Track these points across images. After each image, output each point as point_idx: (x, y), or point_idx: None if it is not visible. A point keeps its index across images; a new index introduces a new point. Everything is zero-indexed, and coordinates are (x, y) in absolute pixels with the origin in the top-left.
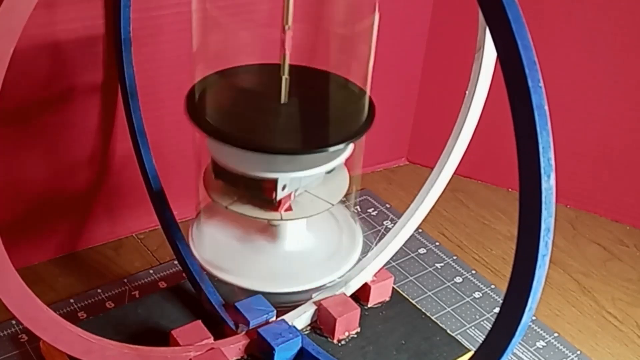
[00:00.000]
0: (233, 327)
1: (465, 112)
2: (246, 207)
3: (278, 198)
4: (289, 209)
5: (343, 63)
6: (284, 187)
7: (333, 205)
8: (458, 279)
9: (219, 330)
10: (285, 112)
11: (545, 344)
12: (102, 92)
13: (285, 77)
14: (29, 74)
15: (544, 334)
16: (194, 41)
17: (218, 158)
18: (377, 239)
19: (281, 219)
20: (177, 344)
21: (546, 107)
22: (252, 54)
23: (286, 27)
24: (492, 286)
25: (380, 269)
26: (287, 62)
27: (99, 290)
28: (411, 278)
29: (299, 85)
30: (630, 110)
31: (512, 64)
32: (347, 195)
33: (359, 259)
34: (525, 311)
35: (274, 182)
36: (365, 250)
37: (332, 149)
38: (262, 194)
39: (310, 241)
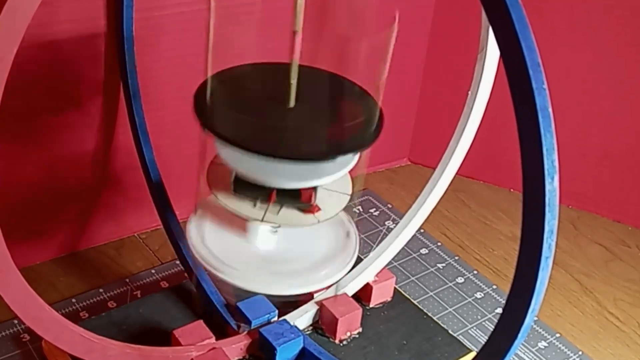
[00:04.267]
0: (235, 327)
1: (468, 113)
2: (281, 216)
3: (316, 202)
4: (318, 209)
5: (356, 71)
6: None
7: (350, 195)
8: (460, 279)
9: (221, 330)
10: (302, 117)
11: (547, 345)
12: (104, 92)
13: (293, 81)
14: (32, 74)
15: (545, 335)
16: (210, 40)
17: (250, 174)
18: (379, 239)
19: (318, 222)
20: (179, 344)
21: (550, 109)
22: (267, 53)
23: (297, 31)
24: (494, 286)
25: (382, 269)
26: (296, 65)
27: (101, 290)
28: (413, 278)
29: (309, 88)
30: (632, 111)
31: (516, 65)
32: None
33: (360, 259)
34: (528, 313)
35: (314, 189)
36: (367, 251)
37: (365, 146)
38: (296, 201)
39: (307, 240)
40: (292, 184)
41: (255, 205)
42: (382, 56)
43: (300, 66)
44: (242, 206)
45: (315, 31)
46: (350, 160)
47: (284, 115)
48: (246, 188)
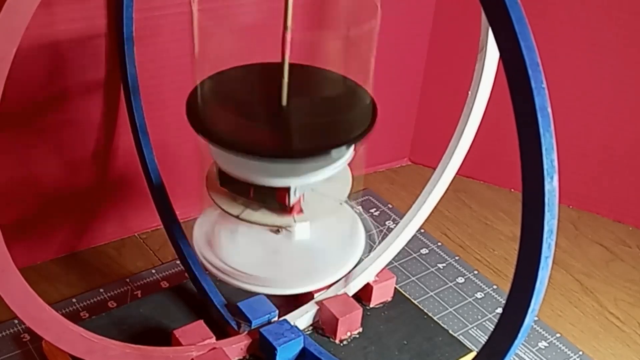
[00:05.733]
0: (235, 327)
1: (468, 113)
2: (258, 214)
3: (291, 204)
4: (300, 211)
5: (344, 63)
6: (295, 192)
7: (342, 203)
8: (460, 280)
9: (221, 330)
10: (289, 115)
11: (547, 345)
12: (104, 92)
13: (285, 79)
14: (32, 74)
15: (546, 335)
16: (196, 44)
17: (226, 167)
18: (380, 239)
19: (295, 223)
20: (179, 344)
21: (549, 109)
22: (254, 54)
23: (287, 29)
24: (494, 286)
25: (383, 269)
26: (287, 64)
27: (102, 290)
28: (413, 278)
29: (301, 86)
30: (633, 111)
31: (515, 65)
32: (349, 195)
33: (361, 259)
34: (528, 313)
35: (288, 188)
36: (368, 251)
37: (346, 146)
38: (275, 200)
39: (313, 241)
40: (264, 181)
41: (237, 201)
42: (368, 48)
43: (290, 64)
44: (224, 201)
45: (302, 27)
46: (327, 165)
47: (272, 112)
48: (232, 184)
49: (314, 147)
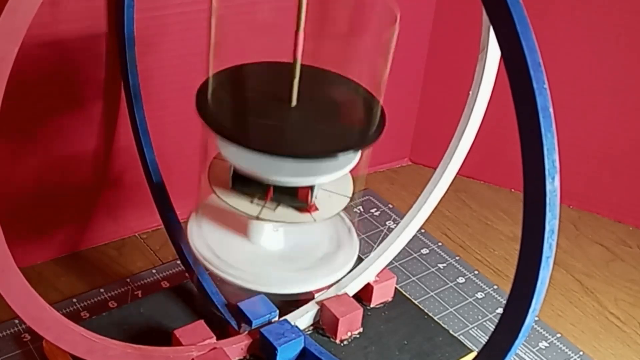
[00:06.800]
0: (235, 326)
1: (469, 113)
2: (276, 213)
3: (313, 201)
4: (316, 209)
5: (358, 70)
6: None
7: (350, 197)
8: (460, 280)
9: (222, 329)
10: (303, 115)
11: (547, 345)
12: (105, 92)
13: (296, 79)
14: (33, 74)
15: (546, 335)
16: (212, 39)
17: (248, 169)
18: (380, 239)
19: (315, 221)
20: (180, 344)
21: (551, 109)
22: (270, 53)
23: (299, 30)
24: (495, 286)
25: (383, 269)
26: (299, 64)
27: (102, 290)
28: (414, 278)
29: (311, 87)
30: (633, 111)
31: (517, 65)
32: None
33: (360, 259)
34: (529, 313)
35: (311, 187)
36: (368, 251)
37: (364, 145)
38: (291, 199)
39: (308, 240)
40: (289, 181)
41: (252, 202)
42: (384, 55)
43: (302, 65)
44: (239, 202)
45: (317, 30)
46: (349, 161)
47: (284, 112)
48: (244, 184)
49: (334, 147)
